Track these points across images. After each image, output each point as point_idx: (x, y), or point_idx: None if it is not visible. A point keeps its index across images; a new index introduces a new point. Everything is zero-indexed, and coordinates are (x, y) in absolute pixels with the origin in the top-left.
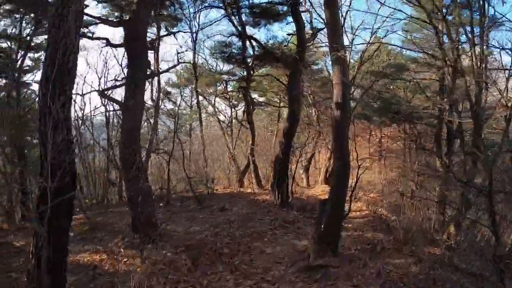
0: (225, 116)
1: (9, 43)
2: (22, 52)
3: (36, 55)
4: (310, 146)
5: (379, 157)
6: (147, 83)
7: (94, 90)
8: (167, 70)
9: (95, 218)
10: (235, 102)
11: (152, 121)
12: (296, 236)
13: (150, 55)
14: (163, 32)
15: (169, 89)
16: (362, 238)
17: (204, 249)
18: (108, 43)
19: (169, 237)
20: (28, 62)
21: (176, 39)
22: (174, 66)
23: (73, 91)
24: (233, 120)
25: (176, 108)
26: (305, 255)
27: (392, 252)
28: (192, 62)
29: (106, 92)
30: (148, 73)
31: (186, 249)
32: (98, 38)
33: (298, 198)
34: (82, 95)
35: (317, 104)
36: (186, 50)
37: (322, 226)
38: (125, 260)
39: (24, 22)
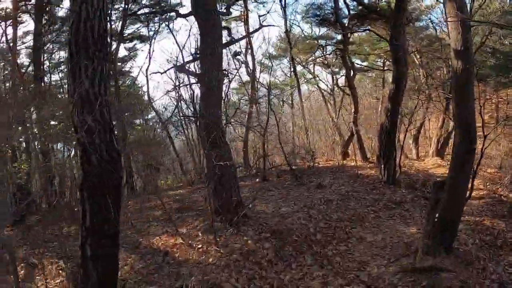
0: (326, 85)
1: None
2: None
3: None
4: (420, 113)
5: (495, 126)
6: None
7: (172, 67)
8: (245, 37)
9: (184, 198)
10: (336, 69)
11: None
12: (403, 220)
13: (240, 27)
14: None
15: (267, 61)
16: (480, 227)
17: (292, 235)
18: (178, 14)
19: (255, 220)
20: None
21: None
22: (255, 30)
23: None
24: (335, 88)
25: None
26: (412, 250)
27: None
28: (284, 28)
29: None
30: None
31: (272, 235)
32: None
33: (406, 173)
34: (158, 73)
35: (425, 65)
36: (268, 12)
37: (436, 217)
38: (199, 246)
39: None
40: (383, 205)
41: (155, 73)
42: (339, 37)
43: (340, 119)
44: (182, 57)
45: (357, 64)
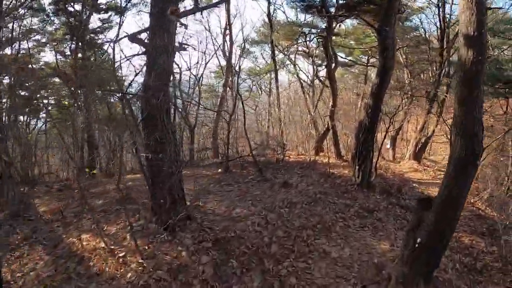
0: (307, 76)
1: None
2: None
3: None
4: (399, 114)
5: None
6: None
7: (125, 36)
8: (209, 7)
9: (136, 186)
10: (319, 62)
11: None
12: (375, 232)
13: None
14: None
15: (248, 46)
16: (458, 245)
17: (241, 246)
18: None
19: (199, 223)
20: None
21: None
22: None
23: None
24: (315, 80)
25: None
26: (384, 275)
27: (497, 275)
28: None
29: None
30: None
31: (214, 245)
32: None
33: (381, 176)
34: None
35: (409, 65)
36: None
37: (418, 242)
38: (121, 255)
39: None
40: (354, 212)
41: (109, 42)
42: (324, 25)
43: (318, 112)
44: None
45: (341, 57)
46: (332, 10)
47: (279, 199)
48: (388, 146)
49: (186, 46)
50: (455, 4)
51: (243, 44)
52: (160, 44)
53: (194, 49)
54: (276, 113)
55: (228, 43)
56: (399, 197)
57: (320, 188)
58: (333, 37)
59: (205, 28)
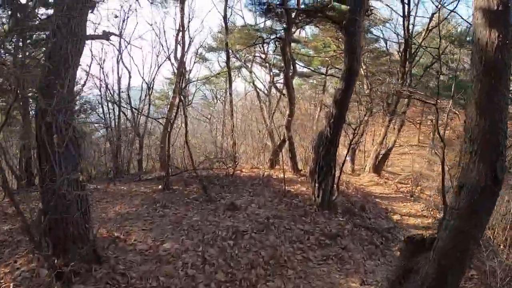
0: (263, 85)
1: None
2: None
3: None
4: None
5: (431, 145)
6: None
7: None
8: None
9: None
10: (277, 71)
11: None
12: (341, 265)
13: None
14: None
15: (203, 52)
16: None
17: None
18: None
19: (112, 266)
20: None
21: None
22: None
23: None
24: (272, 89)
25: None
26: None
27: None
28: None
29: None
30: None
31: None
32: None
33: (343, 193)
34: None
35: (370, 76)
36: None
37: None
38: None
39: None
40: (315, 240)
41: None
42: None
43: (274, 123)
44: None
45: (300, 66)
46: (293, 14)
47: (223, 227)
48: (347, 157)
49: (110, 35)
50: (418, 16)
51: (198, 50)
52: (63, 27)
53: (126, 41)
54: (229, 122)
55: (180, 47)
56: (363, 216)
57: (273, 210)
58: (292, 44)
59: (154, 31)
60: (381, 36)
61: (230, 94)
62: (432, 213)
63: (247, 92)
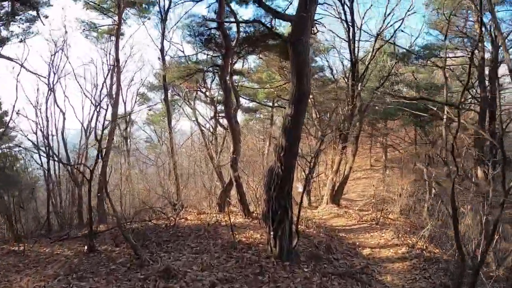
0: (208, 122)
1: None
2: None
3: None
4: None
5: (383, 168)
6: None
7: None
8: None
9: None
10: (221, 107)
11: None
12: None
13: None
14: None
15: (145, 91)
16: None
17: None
18: None
19: None
20: None
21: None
22: None
23: None
24: (215, 124)
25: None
26: None
27: None
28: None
29: None
30: None
31: None
32: None
33: (303, 233)
34: None
35: (317, 105)
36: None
37: None
38: None
39: None
40: None
41: None
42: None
43: (223, 161)
44: None
45: (245, 99)
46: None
47: None
48: (300, 189)
49: None
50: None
51: (138, 89)
52: None
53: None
54: (171, 164)
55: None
56: (331, 259)
57: (221, 272)
58: (236, 77)
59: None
60: (326, 64)
61: (170, 132)
62: (403, 239)
63: (193, 132)
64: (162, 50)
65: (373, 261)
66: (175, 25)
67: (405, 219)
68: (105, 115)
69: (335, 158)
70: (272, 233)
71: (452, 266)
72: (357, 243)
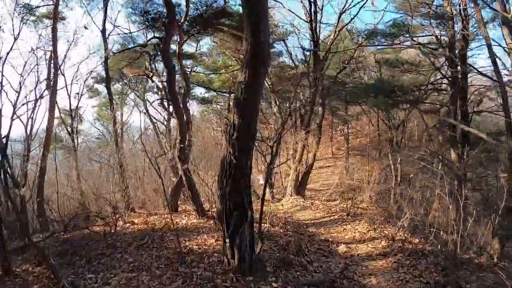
0: (161, 115)
1: None
2: None
3: None
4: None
5: (346, 155)
6: None
7: None
8: None
9: None
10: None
11: None
12: None
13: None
14: None
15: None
16: None
17: None
18: None
19: None
20: None
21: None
22: None
23: None
24: (169, 117)
25: None
26: None
27: None
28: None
29: None
30: None
31: None
32: None
33: (268, 232)
34: None
35: (276, 92)
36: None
37: None
38: None
39: None
40: None
41: None
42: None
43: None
44: None
45: (198, 86)
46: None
47: None
48: (261, 181)
49: None
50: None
51: (85, 80)
52: None
53: None
54: (118, 161)
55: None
56: (304, 264)
57: None
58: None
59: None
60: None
61: (114, 124)
62: (380, 231)
63: (147, 127)
64: (103, 32)
65: (352, 260)
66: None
67: (376, 207)
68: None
69: (298, 147)
70: (228, 240)
71: (441, 259)
72: (330, 239)
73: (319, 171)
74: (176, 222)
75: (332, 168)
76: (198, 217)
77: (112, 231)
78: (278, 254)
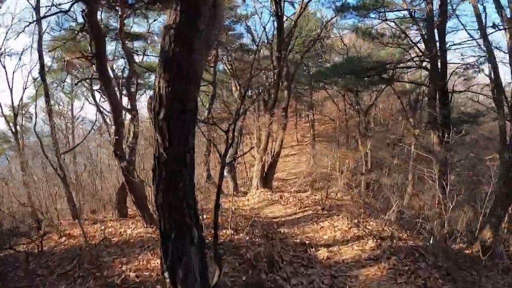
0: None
1: None
2: None
3: None
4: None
5: (312, 142)
6: None
7: None
8: None
9: None
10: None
11: None
12: None
13: None
14: None
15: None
16: None
17: None
18: None
19: None
20: None
21: None
22: None
23: None
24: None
25: None
26: None
27: None
28: None
29: None
30: None
31: None
32: None
33: (232, 245)
34: None
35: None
36: None
37: None
38: None
39: None
40: None
41: None
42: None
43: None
44: None
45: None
46: None
47: None
48: (226, 174)
49: None
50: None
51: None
52: None
53: None
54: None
55: None
56: (279, 282)
57: None
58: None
59: None
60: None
61: (50, 119)
62: (363, 227)
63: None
64: (37, 7)
65: (337, 269)
66: None
67: (352, 198)
68: None
69: (262, 135)
70: (167, 275)
71: (442, 259)
72: (307, 241)
73: (285, 160)
74: (120, 232)
75: (298, 155)
76: (145, 226)
77: (40, 250)
78: (244, 278)
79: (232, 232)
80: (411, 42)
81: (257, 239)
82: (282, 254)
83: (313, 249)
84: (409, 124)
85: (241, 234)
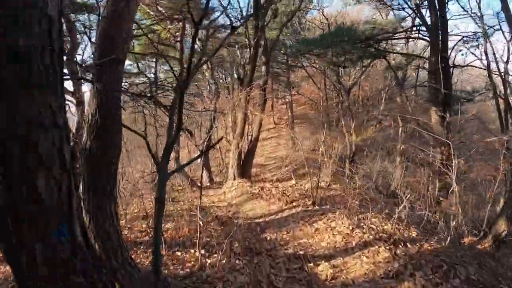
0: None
1: None
2: None
3: None
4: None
5: (290, 125)
6: None
7: None
8: None
9: None
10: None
11: None
12: None
13: None
14: None
15: None
16: None
17: None
18: None
19: None
20: None
21: None
22: None
23: None
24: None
25: None
26: None
27: None
28: None
29: None
30: None
31: None
32: None
33: (202, 271)
34: None
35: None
36: None
37: None
38: None
39: None
40: None
41: None
42: None
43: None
44: None
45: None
46: None
47: None
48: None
49: None
50: None
51: None
52: None
53: None
54: None
55: None
56: None
57: None
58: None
59: None
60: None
61: None
62: (370, 230)
63: None
64: None
65: None
66: None
67: (345, 189)
68: None
69: (238, 117)
70: None
71: (473, 269)
72: (301, 252)
73: (263, 143)
74: None
75: (276, 139)
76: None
77: None
78: None
79: (202, 253)
80: (408, 7)
81: (237, 260)
82: (273, 279)
83: (311, 263)
84: (401, 102)
85: (215, 255)
